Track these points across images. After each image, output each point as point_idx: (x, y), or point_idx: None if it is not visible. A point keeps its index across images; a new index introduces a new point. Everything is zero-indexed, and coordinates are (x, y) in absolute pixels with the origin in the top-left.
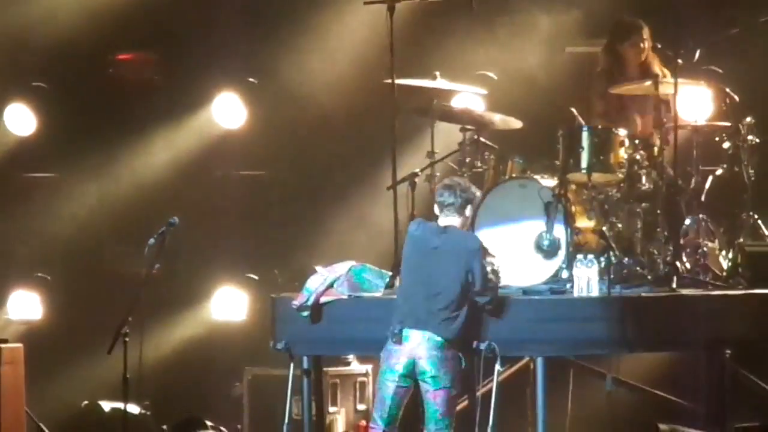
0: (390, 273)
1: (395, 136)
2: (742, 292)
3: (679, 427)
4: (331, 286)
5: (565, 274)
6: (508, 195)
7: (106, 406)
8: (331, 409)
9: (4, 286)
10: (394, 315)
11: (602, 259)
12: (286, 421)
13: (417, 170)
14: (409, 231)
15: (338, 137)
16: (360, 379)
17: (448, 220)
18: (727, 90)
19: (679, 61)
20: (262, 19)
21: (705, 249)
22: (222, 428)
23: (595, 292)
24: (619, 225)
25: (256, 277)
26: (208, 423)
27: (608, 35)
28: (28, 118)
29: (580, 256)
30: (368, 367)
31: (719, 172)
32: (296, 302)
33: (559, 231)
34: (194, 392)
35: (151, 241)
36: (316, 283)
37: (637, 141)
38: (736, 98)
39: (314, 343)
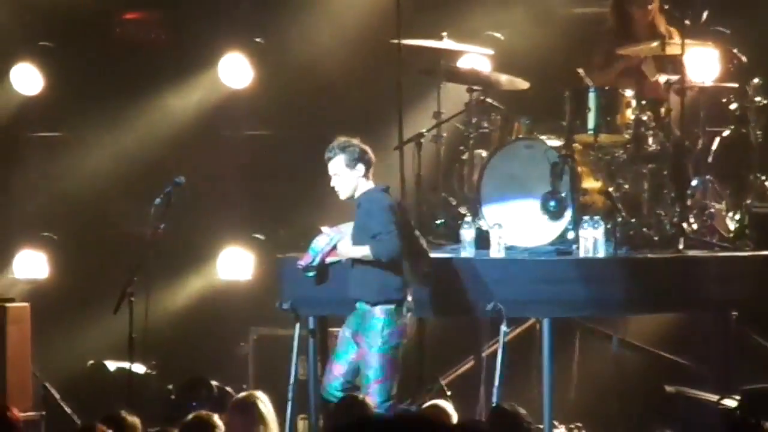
0: None
1: (402, 96)
2: (749, 253)
3: (685, 388)
4: (336, 246)
5: (571, 235)
6: (515, 156)
7: (112, 365)
8: None
9: (10, 245)
10: (403, 286)
11: (608, 220)
12: (292, 381)
13: (423, 131)
14: (393, 201)
15: (344, 97)
16: None
17: None
18: (735, 51)
19: (687, 21)
20: None
21: (712, 210)
22: (227, 388)
23: (601, 253)
24: (626, 186)
25: (262, 237)
26: (214, 383)
27: None
28: (34, 77)
29: (586, 217)
30: None
31: (726, 133)
32: (302, 262)
33: (566, 192)
34: (200, 352)
35: (157, 200)
36: (321, 243)
37: (643, 102)
38: (744, 59)
39: (320, 303)
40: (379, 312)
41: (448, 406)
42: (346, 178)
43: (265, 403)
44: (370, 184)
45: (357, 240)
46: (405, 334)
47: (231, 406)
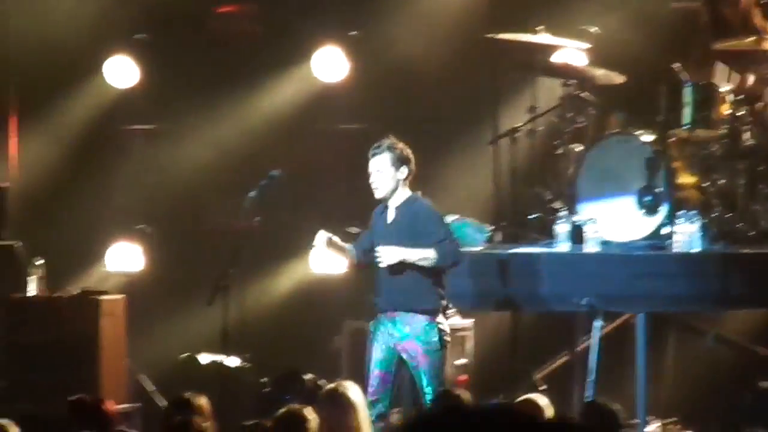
0: (490, 227)
1: (496, 90)
2: None
3: None
4: None
5: (666, 230)
6: (610, 151)
7: (206, 358)
8: None
9: (105, 238)
10: (445, 289)
11: (704, 215)
12: None
13: (518, 125)
14: None
15: (439, 92)
16: (461, 333)
17: None
18: None
19: None
20: None
21: None
22: (321, 381)
23: (696, 248)
24: (721, 181)
25: (356, 231)
26: (307, 376)
27: None
28: (130, 70)
29: (681, 212)
30: (469, 322)
31: None
32: None
33: (661, 187)
34: (294, 345)
35: (252, 193)
36: None
37: (740, 97)
38: None
39: None
40: (427, 318)
41: (542, 400)
42: (389, 177)
43: (353, 391)
44: (408, 192)
45: (411, 244)
46: (448, 336)
47: (320, 397)
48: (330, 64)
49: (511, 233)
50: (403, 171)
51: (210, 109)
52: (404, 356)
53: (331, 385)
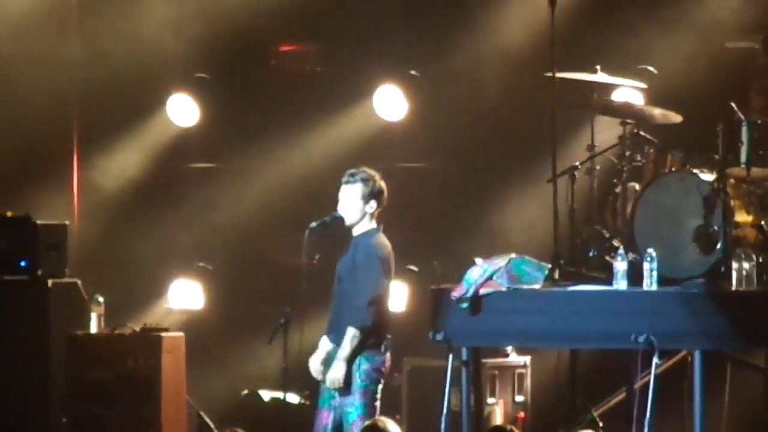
0: (549, 265)
1: (555, 129)
2: None
3: None
4: (490, 277)
5: (723, 269)
6: (668, 189)
7: (266, 395)
8: (490, 400)
9: (166, 275)
10: (383, 328)
11: (760, 254)
12: (445, 412)
13: (577, 163)
14: (387, 250)
15: (498, 130)
16: (518, 370)
17: None
18: None
19: None
20: (423, 10)
21: None
22: (381, 418)
23: (753, 287)
24: None
25: (415, 269)
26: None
27: (766, 29)
28: (191, 108)
29: (738, 251)
30: (527, 359)
31: None
32: (456, 294)
33: (718, 225)
34: None
35: (313, 224)
36: (475, 274)
37: None
38: None
39: (473, 334)
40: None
41: None
42: (356, 208)
43: (392, 427)
44: (372, 225)
45: (348, 277)
46: (384, 371)
47: None
48: (390, 102)
49: (570, 271)
50: (372, 205)
51: (271, 147)
52: None
53: (370, 421)
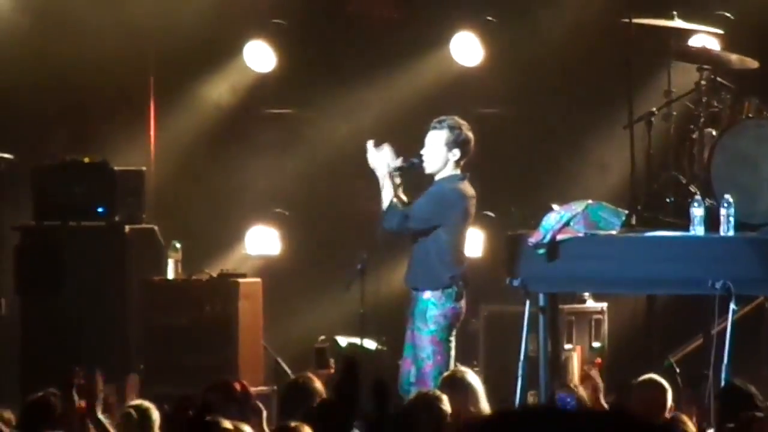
0: (626, 211)
1: (632, 75)
2: None
3: None
4: (567, 223)
5: None
6: (745, 135)
7: (343, 341)
8: (567, 346)
9: (243, 221)
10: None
11: None
12: (522, 357)
13: (653, 109)
14: (465, 194)
15: (575, 76)
16: (595, 316)
17: None
18: None
19: None
20: None
21: None
22: (457, 364)
23: None
24: None
25: (492, 215)
26: None
27: None
28: (267, 55)
29: None
30: (604, 305)
31: None
32: (533, 239)
33: None
34: None
35: (397, 163)
36: (552, 220)
37: None
38: None
39: (550, 280)
40: (428, 295)
41: (662, 381)
42: (439, 155)
43: (471, 377)
44: (454, 172)
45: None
46: (457, 317)
47: (441, 382)
48: (467, 48)
49: (647, 217)
50: (455, 153)
51: (348, 93)
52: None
53: (450, 371)
